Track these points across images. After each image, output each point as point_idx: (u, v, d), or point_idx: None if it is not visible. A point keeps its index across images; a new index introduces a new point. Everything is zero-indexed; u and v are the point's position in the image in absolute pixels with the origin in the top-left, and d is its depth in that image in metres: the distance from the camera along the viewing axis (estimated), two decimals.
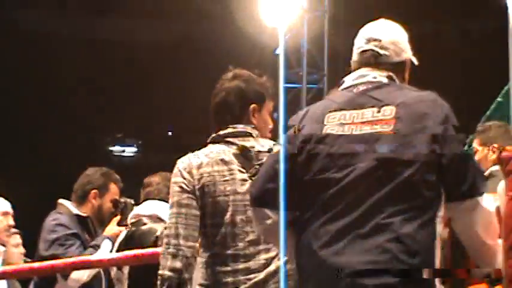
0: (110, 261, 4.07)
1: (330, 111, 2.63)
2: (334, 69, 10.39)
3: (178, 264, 2.96)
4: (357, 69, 2.76)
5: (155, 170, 4.67)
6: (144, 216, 4.31)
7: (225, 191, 3.03)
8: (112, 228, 4.61)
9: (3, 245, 4.92)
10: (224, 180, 3.05)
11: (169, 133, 14.61)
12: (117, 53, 11.96)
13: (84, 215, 4.71)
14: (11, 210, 4.85)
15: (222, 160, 3.08)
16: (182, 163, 3.10)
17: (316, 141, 2.59)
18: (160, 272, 2.98)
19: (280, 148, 2.82)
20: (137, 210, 4.40)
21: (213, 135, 3.19)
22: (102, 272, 4.63)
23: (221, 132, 3.17)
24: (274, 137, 3.23)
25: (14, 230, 5.36)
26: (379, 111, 2.57)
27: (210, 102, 3.26)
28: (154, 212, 4.30)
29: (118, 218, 4.61)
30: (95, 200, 4.72)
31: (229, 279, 2.97)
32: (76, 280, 4.51)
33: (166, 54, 11.82)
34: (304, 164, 2.60)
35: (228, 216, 3.01)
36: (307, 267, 2.55)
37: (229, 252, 3.00)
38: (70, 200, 4.78)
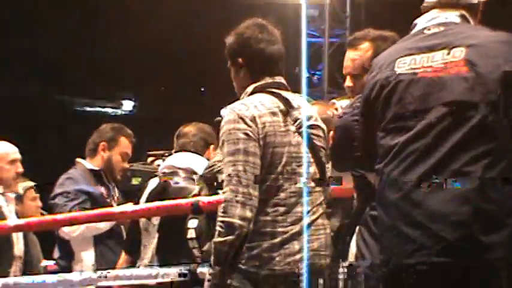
0: (133, 212, 4.09)
1: (400, 57, 2.61)
2: (356, 23, 10.30)
3: (248, 213, 2.91)
4: (431, 9, 2.70)
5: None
6: (180, 169, 4.26)
7: (282, 141, 3.03)
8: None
9: (17, 194, 4.96)
10: (281, 131, 3.03)
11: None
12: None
13: (97, 168, 4.78)
14: (19, 156, 4.87)
15: (279, 111, 3.06)
16: (242, 110, 3.02)
17: (387, 89, 2.58)
18: (226, 219, 2.89)
19: (355, 106, 2.83)
20: (171, 161, 4.35)
21: (260, 83, 3.14)
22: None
23: (268, 81, 3.14)
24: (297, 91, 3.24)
25: (30, 183, 5.42)
26: (448, 53, 2.53)
27: (245, 46, 3.17)
28: (190, 165, 4.26)
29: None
30: (104, 152, 4.80)
31: (268, 229, 2.97)
32: (65, 233, 4.61)
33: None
34: (377, 112, 2.60)
35: (280, 167, 3.01)
36: (387, 219, 2.54)
37: (270, 202, 2.99)
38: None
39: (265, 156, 3.00)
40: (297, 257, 2.96)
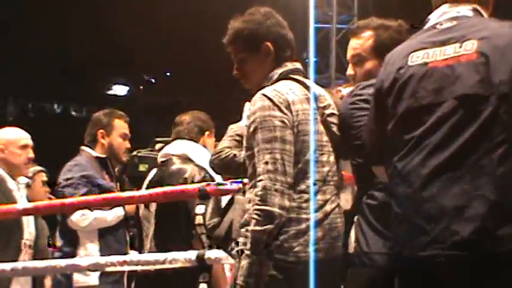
0: (140, 197, 4.11)
1: (413, 51, 2.62)
2: (364, 9, 10.28)
3: (287, 202, 2.89)
4: (442, 3, 2.71)
5: None
6: (174, 155, 4.34)
7: (309, 130, 3.00)
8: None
9: (27, 177, 5.00)
10: (308, 119, 3.01)
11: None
12: None
13: (103, 156, 4.86)
14: (30, 143, 4.92)
15: (306, 99, 3.04)
16: (275, 97, 2.99)
17: (400, 82, 2.60)
18: (266, 207, 2.86)
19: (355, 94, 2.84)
20: (167, 149, 4.43)
21: (285, 69, 3.13)
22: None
23: (291, 68, 3.13)
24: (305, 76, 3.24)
25: (39, 168, 5.45)
26: (460, 46, 2.53)
27: (270, 32, 3.16)
28: (184, 151, 4.32)
29: None
30: (103, 139, 4.86)
31: (293, 216, 2.94)
32: (75, 224, 4.67)
33: None
34: (389, 105, 2.61)
35: (307, 155, 2.98)
36: (400, 211, 2.56)
37: (296, 188, 2.96)
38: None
39: (297, 144, 2.98)
40: (320, 244, 2.96)
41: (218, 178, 4.14)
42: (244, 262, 2.90)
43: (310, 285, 2.91)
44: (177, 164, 4.28)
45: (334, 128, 3.12)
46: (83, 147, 4.91)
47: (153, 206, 4.43)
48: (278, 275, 2.91)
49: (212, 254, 3.47)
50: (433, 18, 2.71)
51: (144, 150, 4.79)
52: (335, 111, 3.15)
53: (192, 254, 3.57)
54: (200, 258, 3.52)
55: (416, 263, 2.51)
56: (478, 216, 2.39)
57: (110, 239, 4.72)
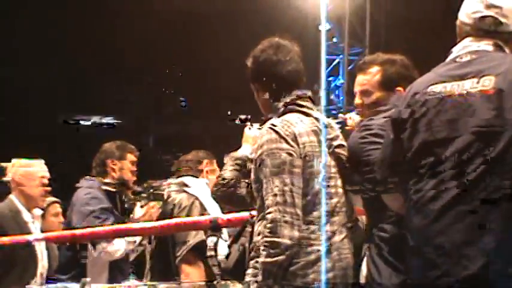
0: (151, 229, 4.11)
1: (432, 84, 2.63)
2: (375, 42, 10.31)
3: (296, 233, 2.89)
4: (465, 37, 2.71)
5: None
6: (172, 184, 4.43)
7: (318, 162, 3.01)
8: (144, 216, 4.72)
9: (41, 209, 5.00)
10: (316, 152, 3.02)
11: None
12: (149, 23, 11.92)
13: (113, 190, 4.83)
14: (48, 175, 4.93)
15: (313, 131, 3.05)
16: (283, 129, 3.00)
17: (417, 115, 2.60)
18: (276, 239, 2.87)
19: (386, 128, 2.85)
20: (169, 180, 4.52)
21: (293, 98, 3.12)
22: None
23: (300, 94, 3.13)
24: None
25: (53, 199, 5.45)
26: (478, 82, 2.54)
27: (276, 67, 3.16)
28: (182, 180, 4.45)
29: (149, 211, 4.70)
30: (114, 172, 4.87)
31: (303, 246, 2.93)
32: (110, 254, 4.63)
33: (204, 24, 11.78)
34: (407, 138, 2.62)
35: (316, 187, 3.00)
36: (413, 243, 2.56)
37: (305, 219, 2.96)
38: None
39: (304, 176, 2.98)
40: (330, 274, 2.95)
41: (210, 206, 4.19)
42: None
43: None
44: (172, 196, 4.41)
45: (343, 160, 3.12)
46: (89, 178, 4.90)
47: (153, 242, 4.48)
48: None
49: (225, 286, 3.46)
50: (455, 51, 2.71)
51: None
52: (343, 143, 3.15)
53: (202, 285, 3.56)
54: None
55: None
56: (487, 252, 2.39)
57: (117, 272, 4.70)
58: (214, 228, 3.77)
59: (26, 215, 4.80)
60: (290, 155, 2.96)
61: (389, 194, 2.80)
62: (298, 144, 2.98)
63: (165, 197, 4.47)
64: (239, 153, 3.73)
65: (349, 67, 10.30)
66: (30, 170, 4.89)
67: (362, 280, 2.98)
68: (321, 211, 2.99)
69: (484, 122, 2.47)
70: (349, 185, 3.10)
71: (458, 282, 2.41)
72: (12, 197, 4.88)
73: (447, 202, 2.47)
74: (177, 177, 4.56)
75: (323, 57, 9.62)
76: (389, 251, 2.87)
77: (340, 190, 3.08)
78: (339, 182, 3.08)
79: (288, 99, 3.12)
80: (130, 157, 4.97)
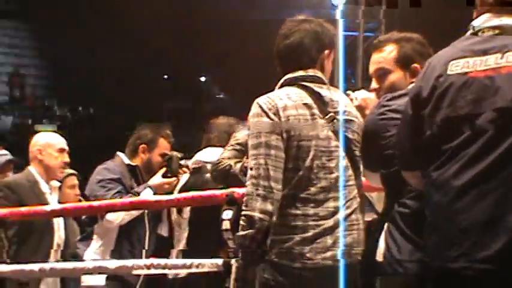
0: (168, 202, 4.12)
1: (453, 59, 2.60)
2: (391, 18, 10.26)
3: (269, 206, 2.90)
4: (485, 12, 2.67)
5: None
6: (206, 162, 4.34)
7: (308, 135, 3.02)
8: (156, 178, 4.70)
9: (59, 181, 5.04)
10: (307, 125, 3.03)
11: None
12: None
13: (134, 164, 4.84)
14: (66, 148, 5.01)
15: (304, 104, 3.06)
16: (265, 104, 3.04)
17: (438, 91, 2.58)
18: (248, 212, 2.90)
19: (383, 105, 2.85)
20: (199, 156, 4.44)
21: (288, 76, 3.14)
22: (146, 216, 4.72)
23: (296, 75, 3.14)
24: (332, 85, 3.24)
25: (71, 171, 5.50)
26: (502, 57, 2.51)
27: (277, 41, 3.21)
28: (215, 159, 4.33)
29: (164, 169, 4.69)
30: (144, 154, 4.85)
31: (299, 223, 2.98)
32: (110, 221, 4.64)
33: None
34: (426, 114, 2.60)
35: (308, 161, 3.00)
36: (433, 221, 2.55)
37: (301, 195, 2.99)
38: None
39: (290, 149, 3.00)
40: (329, 252, 2.97)
41: None
42: (233, 267, 2.96)
43: None
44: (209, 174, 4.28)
45: (350, 134, 3.12)
46: (118, 153, 4.92)
47: (186, 213, 4.45)
48: (284, 281, 2.95)
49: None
50: (476, 25, 2.67)
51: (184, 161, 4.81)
52: (352, 117, 3.16)
53: (219, 260, 3.57)
54: (226, 264, 3.53)
55: (446, 275, 2.49)
56: (509, 230, 2.37)
57: (125, 242, 4.70)
58: (230, 202, 3.78)
59: (43, 186, 4.88)
60: (268, 127, 2.98)
61: (409, 171, 2.80)
62: (279, 118, 2.99)
63: (192, 166, 4.42)
64: (241, 132, 3.76)
65: (365, 44, 10.25)
66: (49, 141, 4.97)
67: (379, 258, 2.99)
68: (318, 187, 3.01)
69: (508, 99, 2.44)
70: (367, 161, 3.11)
71: (479, 262, 2.40)
72: (31, 168, 4.95)
73: (469, 180, 2.45)
74: (205, 147, 4.51)
75: (340, 33, 9.58)
76: (410, 227, 2.88)
77: (343, 165, 3.07)
78: (342, 157, 3.07)
79: (288, 76, 3.14)
80: (163, 143, 4.91)
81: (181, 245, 4.44)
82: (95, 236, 4.69)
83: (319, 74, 3.17)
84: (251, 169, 2.96)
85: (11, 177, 5.19)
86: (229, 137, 4.48)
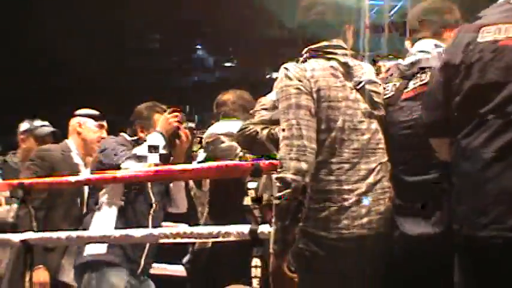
0: (193, 171, 4.09)
1: (485, 25, 2.57)
2: None
3: (304, 166, 2.87)
4: None
5: None
6: (221, 134, 4.33)
7: (337, 96, 3.01)
8: (163, 123, 4.57)
9: (91, 156, 5.06)
10: (335, 86, 3.02)
11: None
12: None
13: (136, 137, 4.76)
14: (105, 125, 5.14)
15: (332, 73, 3.05)
16: (293, 68, 3.04)
17: (469, 57, 2.56)
18: (282, 174, 2.87)
19: (435, 72, 2.80)
20: (213, 129, 4.41)
21: (313, 47, 3.14)
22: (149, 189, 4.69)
23: (321, 45, 3.14)
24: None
25: None
26: None
27: (300, 15, 3.22)
28: (230, 130, 4.30)
29: (166, 116, 4.58)
30: (142, 133, 4.77)
31: (334, 188, 2.95)
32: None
33: None
34: (458, 82, 2.58)
35: (339, 122, 2.99)
36: (462, 189, 2.54)
37: (334, 160, 2.97)
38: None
39: (320, 110, 2.99)
40: (364, 220, 2.94)
41: None
42: (271, 229, 2.92)
43: (353, 263, 2.92)
44: (226, 142, 4.26)
45: (375, 96, 3.10)
46: (121, 133, 4.87)
47: (206, 186, 4.42)
48: (320, 252, 2.93)
49: (265, 228, 3.45)
50: None
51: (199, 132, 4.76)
52: (376, 80, 3.15)
53: (245, 228, 3.55)
54: (253, 233, 3.51)
55: (474, 243, 2.48)
56: None
57: (129, 209, 4.65)
58: (256, 172, 3.76)
59: (76, 158, 4.99)
60: (298, 89, 2.96)
61: (437, 139, 2.76)
62: (308, 79, 2.99)
63: (207, 140, 4.40)
64: (267, 97, 3.74)
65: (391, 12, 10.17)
66: (90, 114, 5.13)
67: None
68: (351, 148, 2.99)
69: None
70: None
71: (507, 230, 2.38)
72: (68, 140, 5.09)
73: (499, 148, 2.43)
74: (218, 120, 4.49)
75: (366, 1, 9.51)
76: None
77: (374, 126, 3.05)
78: (372, 119, 3.06)
79: (315, 46, 3.14)
80: (159, 118, 4.76)
81: (204, 218, 4.43)
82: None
83: (342, 44, 3.17)
84: (283, 130, 2.94)
85: (46, 147, 5.23)
86: (244, 110, 4.44)
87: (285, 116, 2.96)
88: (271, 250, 2.90)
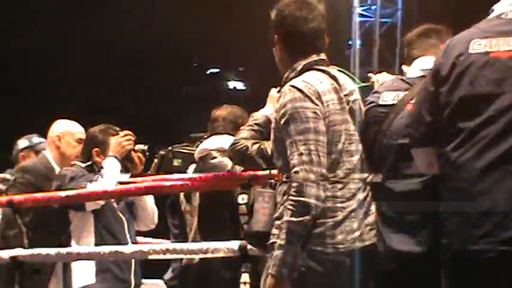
0: (182, 186, 4.08)
1: (475, 38, 2.57)
2: (408, 4, 10.20)
3: (322, 193, 2.88)
4: None
5: None
6: (212, 150, 4.33)
7: (339, 119, 3.01)
8: (116, 146, 4.54)
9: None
10: (337, 109, 3.02)
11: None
12: None
13: (90, 162, 4.66)
14: (84, 136, 4.91)
15: (333, 88, 3.05)
16: (306, 88, 2.99)
17: (459, 69, 2.56)
18: (304, 199, 2.85)
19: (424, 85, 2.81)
20: (204, 145, 4.42)
21: (309, 61, 3.11)
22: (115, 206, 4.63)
23: (316, 59, 3.11)
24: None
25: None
26: None
27: (297, 23, 3.13)
28: (221, 145, 4.28)
29: (118, 139, 4.56)
30: (98, 157, 4.67)
31: (329, 205, 2.94)
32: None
33: None
34: (446, 92, 2.57)
35: (340, 144, 3.00)
36: (455, 202, 2.53)
37: (330, 177, 2.96)
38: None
39: (327, 134, 2.98)
40: (356, 234, 2.95)
41: None
42: (278, 252, 2.87)
43: (350, 276, 2.92)
44: (217, 158, 4.27)
45: (358, 114, 3.11)
46: (74, 162, 4.76)
47: (195, 201, 4.42)
48: (317, 267, 2.91)
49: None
50: (498, 9, 2.65)
51: (178, 146, 4.75)
52: (357, 97, 3.14)
53: (234, 244, 3.55)
54: (242, 248, 3.51)
55: (466, 257, 2.48)
56: None
57: (104, 232, 4.56)
58: (245, 186, 3.76)
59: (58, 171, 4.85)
60: (315, 113, 2.95)
61: (420, 148, 2.76)
62: (322, 103, 2.97)
63: (198, 156, 4.40)
64: (260, 113, 3.73)
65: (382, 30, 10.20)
66: (70, 130, 4.96)
67: None
68: (344, 169, 2.99)
69: None
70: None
71: (500, 243, 2.38)
72: (47, 153, 4.96)
73: (491, 161, 2.43)
74: (210, 135, 4.49)
75: (356, 19, 9.55)
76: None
77: (360, 147, 3.07)
78: (357, 139, 3.07)
79: (306, 61, 3.10)
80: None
81: (193, 233, 4.42)
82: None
83: (325, 57, 3.16)
84: (300, 154, 2.91)
85: (29, 162, 5.18)
86: (234, 126, 4.44)
87: (302, 139, 2.93)
88: (273, 273, 2.88)
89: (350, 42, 9.88)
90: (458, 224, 2.49)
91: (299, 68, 3.10)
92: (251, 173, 3.71)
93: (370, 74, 3.57)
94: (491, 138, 2.44)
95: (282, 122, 2.99)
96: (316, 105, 2.96)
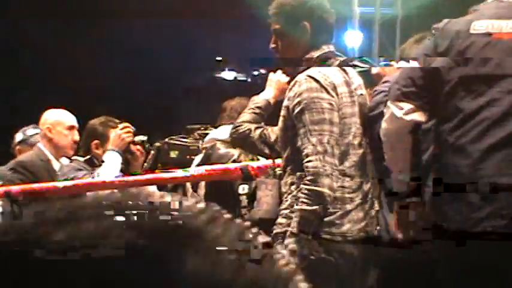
0: (183, 177, 4.07)
1: (476, 19, 2.55)
2: None
3: (335, 184, 2.95)
4: None
5: None
6: (219, 140, 4.32)
7: (349, 113, 3.06)
8: (116, 140, 4.53)
9: (68, 158, 4.98)
10: (348, 102, 3.07)
11: None
12: None
13: (89, 156, 4.66)
14: (76, 125, 4.93)
15: (345, 82, 3.09)
16: (322, 79, 3.03)
17: (458, 48, 2.53)
18: (318, 188, 2.92)
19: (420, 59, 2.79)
20: (213, 134, 4.44)
21: (322, 53, 3.14)
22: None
23: (328, 51, 3.16)
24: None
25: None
26: None
27: (311, 13, 3.17)
28: (228, 136, 4.28)
29: (117, 132, 4.55)
30: (98, 150, 4.65)
31: (338, 195, 2.98)
32: None
33: None
34: (443, 71, 2.53)
35: (350, 137, 3.04)
36: (456, 185, 2.51)
37: (339, 168, 3.01)
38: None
39: (340, 126, 3.03)
40: (362, 224, 3.01)
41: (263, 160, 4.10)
42: (290, 240, 2.91)
43: (357, 264, 3.00)
44: (222, 149, 4.24)
45: (365, 109, 3.16)
46: (74, 157, 4.77)
47: (201, 190, 4.40)
48: (326, 256, 2.96)
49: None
50: None
51: (175, 137, 4.72)
52: (364, 91, 3.19)
53: None
54: None
55: (467, 239, 2.47)
56: None
57: None
58: (246, 177, 3.74)
59: (55, 164, 4.82)
60: (331, 105, 2.98)
61: (402, 102, 2.74)
62: (337, 95, 3.01)
63: (205, 145, 4.38)
64: (260, 96, 3.72)
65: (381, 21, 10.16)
66: (59, 119, 4.91)
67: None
68: (352, 161, 3.04)
69: None
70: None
71: (502, 226, 2.38)
72: (41, 145, 4.92)
73: (493, 144, 2.39)
74: (219, 125, 4.48)
75: (355, 9, 9.52)
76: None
77: (364, 141, 3.12)
78: (362, 132, 3.13)
79: (319, 52, 3.13)
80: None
81: None
82: None
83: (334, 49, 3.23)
84: (315, 145, 2.93)
85: (25, 156, 5.12)
86: (239, 115, 4.42)
87: (317, 129, 2.96)
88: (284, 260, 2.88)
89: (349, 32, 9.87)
90: (460, 207, 2.48)
91: (316, 55, 3.12)
92: (244, 165, 3.70)
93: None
94: (492, 122, 2.42)
95: (296, 110, 3.01)
96: (332, 96, 3.00)
